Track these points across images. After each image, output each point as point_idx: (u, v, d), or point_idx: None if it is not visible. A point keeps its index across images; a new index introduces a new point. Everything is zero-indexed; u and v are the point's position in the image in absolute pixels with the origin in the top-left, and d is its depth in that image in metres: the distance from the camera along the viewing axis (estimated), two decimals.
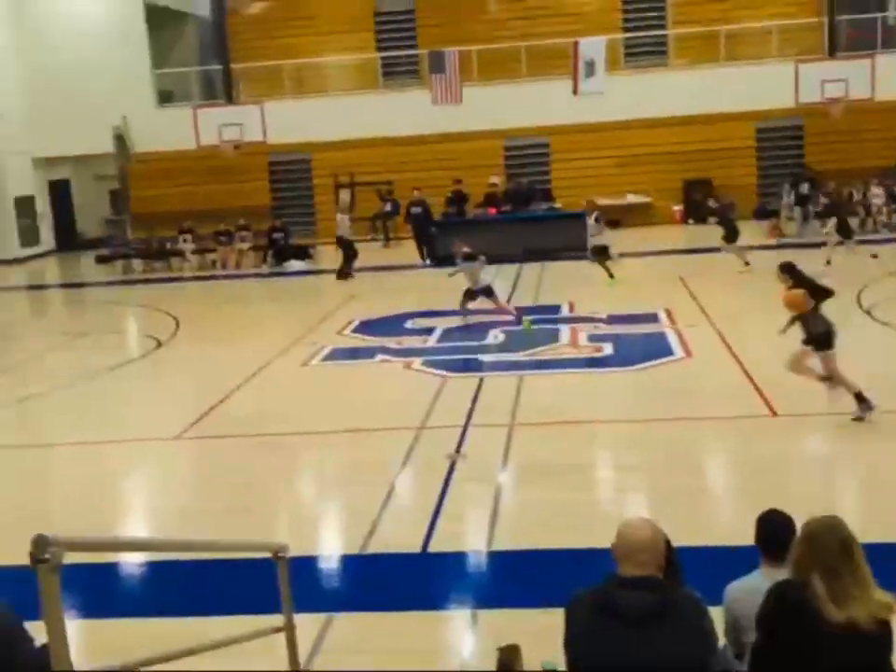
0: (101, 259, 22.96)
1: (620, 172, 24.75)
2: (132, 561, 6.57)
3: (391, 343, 13.14)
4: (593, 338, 12.72)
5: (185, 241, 22.73)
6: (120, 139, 25.77)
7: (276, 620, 4.89)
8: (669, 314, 13.85)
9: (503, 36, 26.77)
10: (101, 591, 6.01)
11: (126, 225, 25.88)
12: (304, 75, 27.62)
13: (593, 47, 22.04)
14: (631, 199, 24.15)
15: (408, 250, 21.96)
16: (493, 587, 6.10)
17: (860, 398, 8.43)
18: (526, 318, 13.79)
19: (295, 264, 21.79)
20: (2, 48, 25.46)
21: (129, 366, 13.25)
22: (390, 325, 14.34)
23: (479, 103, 23.83)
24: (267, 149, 24.79)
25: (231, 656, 4.07)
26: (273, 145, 24.35)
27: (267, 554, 4.11)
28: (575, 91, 22.08)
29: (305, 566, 6.09)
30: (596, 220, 16.81)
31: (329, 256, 22.27)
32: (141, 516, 8.25)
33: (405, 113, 24.74)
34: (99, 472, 8.96)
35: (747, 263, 16.79)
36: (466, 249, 14.12)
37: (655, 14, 27.16)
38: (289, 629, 4.03)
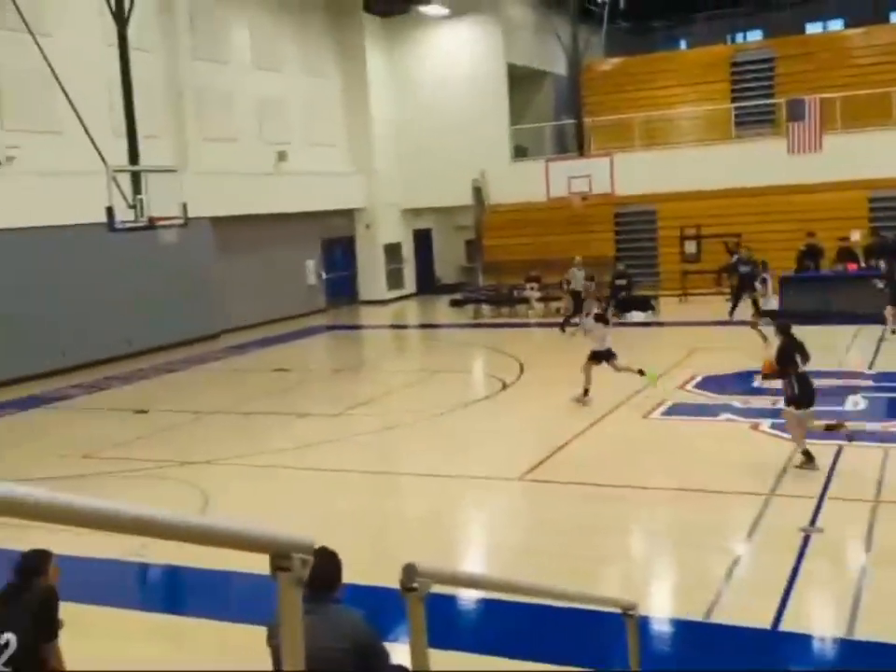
0: (454, 303, 24.45)
1: None
2: (475, 596, 6.84)
3: (737, 401, 12.63)
4: None
5: (531, 288, 23.54)
6: (478, 192, 27.37)
7: None
8: None
9: (869, 82, 25.12)
10: (443, 621, 6.29)
11: (478, 272, 27.36)
12: (654, 126, 27.69)
13: None
14: None
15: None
16: None
17: (807, 454, 9.39)
18: (652, 373, 13.43)
19: (637, 315, 21.72)
20: (382, 110, 28.17)
21: (476, 405, 13.90)
22: (736, 382, 13.80)
23: (841, 151, 22.50)
24: (614, 201, 25.11)
25: None
26: (620, 196, 24.60)
27: (615, 610, 4.05)
28: None
29: (645, 624, 5.97)
30: (763, 282, 16.97)
31: (672, 308, 22.03)
32: (480, 551, 8.58)
33: (757, 163, 23.98)
34: (444, 504, 9.46)
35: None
36: (596, 310, 13.75)
37: None
38: None
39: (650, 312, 21.87)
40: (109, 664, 5.70)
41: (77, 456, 11.63)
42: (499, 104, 28.11)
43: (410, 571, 2.35)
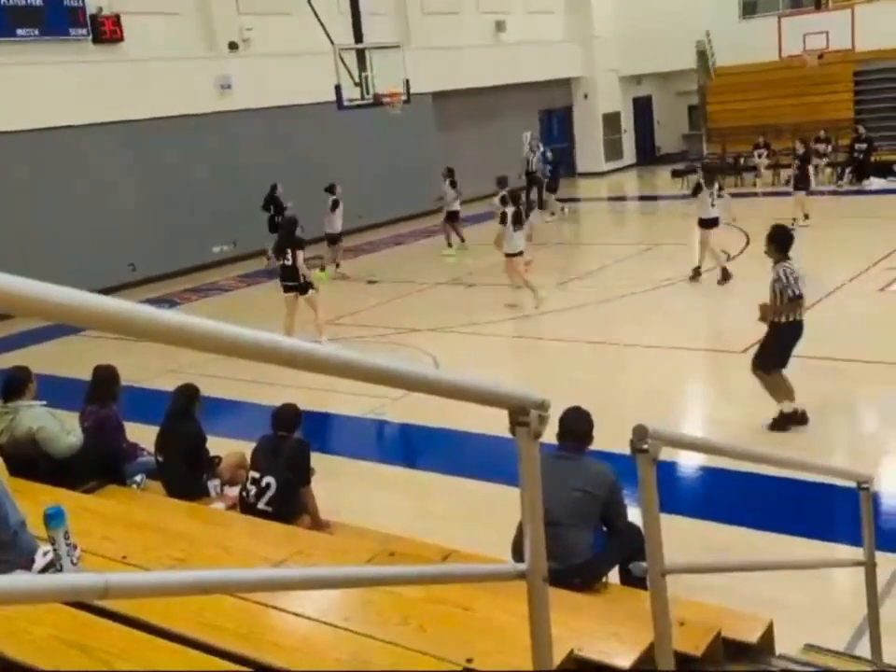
0: (676, 174, 23.63)
1: None
2: (701, 463, 6.97)
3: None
4: None
5: (759, 156, 22.35)
6: (702, 54, 25.93)
7: (845, 550, 4.85)
8: None
9: None
10: (669, 486, 6.46)
11: (702, 140, 26.20)
12: None
13: None
14: None
15: None
16: None
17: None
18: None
19: (876, 182, 20.24)
20: None
21: (698, 278, 13.64)
22: None
23: None
24: (854, 58, 23.07)
25: (799, 579, 4.07)
26: (862, 52, 22.56)
27: (850, 483, 4.01)
28: None
29: (878, 499, 5.90)
30: (453, 185, 17.20)
31: None
32: (704, 422, 8.63)
33: None
34: (666, 375, 9.51)
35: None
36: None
37: None
38: (870, 565, 3.91)
39: (890, 178, 20.29)
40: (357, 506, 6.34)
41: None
42: None
43: (640, 432, 2.33)
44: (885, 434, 7.80)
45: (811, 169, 16.41)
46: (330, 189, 15.75)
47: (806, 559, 4.55)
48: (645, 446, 2.34)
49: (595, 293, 13.10)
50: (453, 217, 17.40)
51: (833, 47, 22.17)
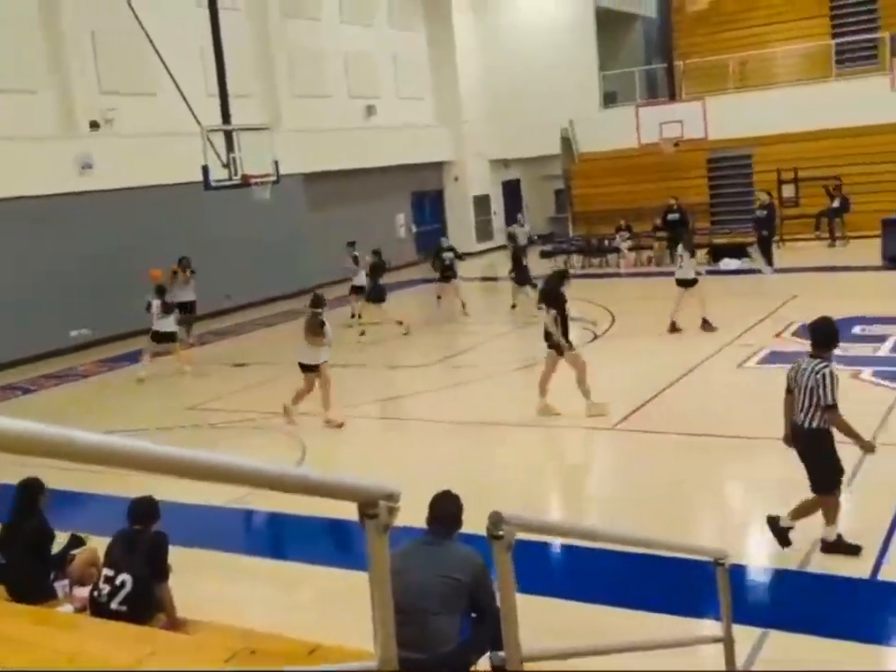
0: (544, 255, 24.28)
1: None
2: (565, 544, 6.93)
3: (836, 349, 12.27)
4: None
5: (622, 238, 23.22)
6: (566, 141, 26.99)
7: (708, 626, 4.85)
8: None
9: None
10: (533, 567, 6.39)
11: (568, 222, 27.07)
12: (749, 67, 26.78)
13: None
14: None
15: (857, 250, 20.45)
16: None
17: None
18: None
19: (731, 263, 21.26)
20: (469, 61, 27.94)
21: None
22: None
23: None
24: (707, 146, 24.45)
25: (665, 654, 4.11)
26: (714, 141, 23.94)
27: (706, 559, 4.05)
28: None
29: (737, 574, 5.96)
30: (355, 260, 17.52)
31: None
32: (572, 500, 8.63)
33: (859, 102, 22.97)
34: (536, 453, 9.55)
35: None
36: None
37: None
38: (728, 641, 3.92)
39: (745, 259, 21.35)
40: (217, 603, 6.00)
41: (181, 409, 12.10)
42: (588, 49, 27.57)
43: (496, 519, 2.39)
44: (744, 509, 7.97)
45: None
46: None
47: (667, 638, 4.53)
48: (500, 532, 2.36)
49: (468, 372, 13.16)
50: (358, 291, 17.47)
51: (687, 135, 23.44)
